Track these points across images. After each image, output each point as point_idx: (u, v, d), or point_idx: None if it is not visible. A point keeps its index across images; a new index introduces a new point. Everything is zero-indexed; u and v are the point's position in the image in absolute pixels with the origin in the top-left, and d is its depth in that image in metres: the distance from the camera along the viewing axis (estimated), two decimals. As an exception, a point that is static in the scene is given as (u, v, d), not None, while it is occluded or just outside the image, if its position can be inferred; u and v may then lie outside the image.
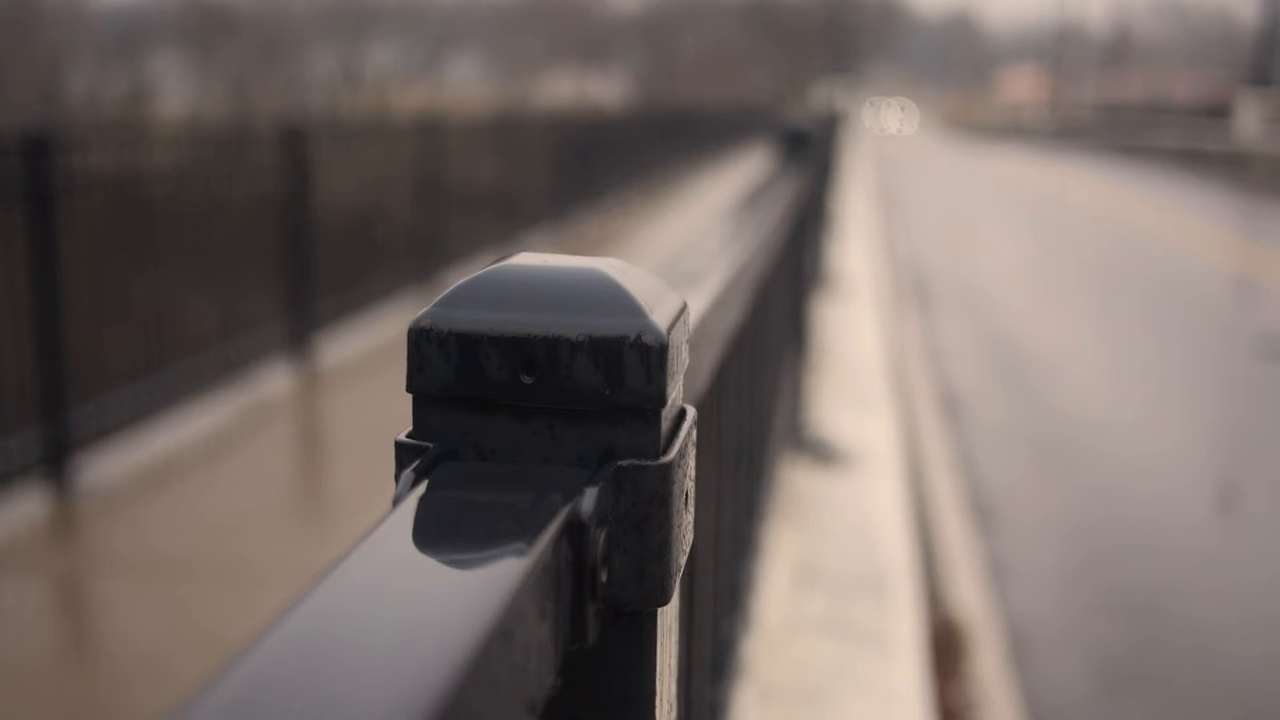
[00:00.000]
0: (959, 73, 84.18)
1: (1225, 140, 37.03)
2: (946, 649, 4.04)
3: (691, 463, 0.84)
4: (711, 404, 1.71)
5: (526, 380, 0.74)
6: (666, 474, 0.76)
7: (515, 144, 13.81)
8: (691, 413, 0.87)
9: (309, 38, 28.07)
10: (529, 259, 0.79)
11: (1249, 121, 37.72)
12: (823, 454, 3.83)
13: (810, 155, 5.52)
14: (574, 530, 0.69)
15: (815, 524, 3.36)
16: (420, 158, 10.47)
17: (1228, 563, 5.23)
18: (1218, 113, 42.30)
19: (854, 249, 10.20)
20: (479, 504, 0.70)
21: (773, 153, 5.22)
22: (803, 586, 2.96)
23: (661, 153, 21.27)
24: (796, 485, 3.62)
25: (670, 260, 1.98)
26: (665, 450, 0.77)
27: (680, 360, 0.80)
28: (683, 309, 0.84)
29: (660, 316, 0.76)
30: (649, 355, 0.74)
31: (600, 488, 0.72)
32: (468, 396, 0.75)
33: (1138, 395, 8.59)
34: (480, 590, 0.58)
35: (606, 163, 17.07)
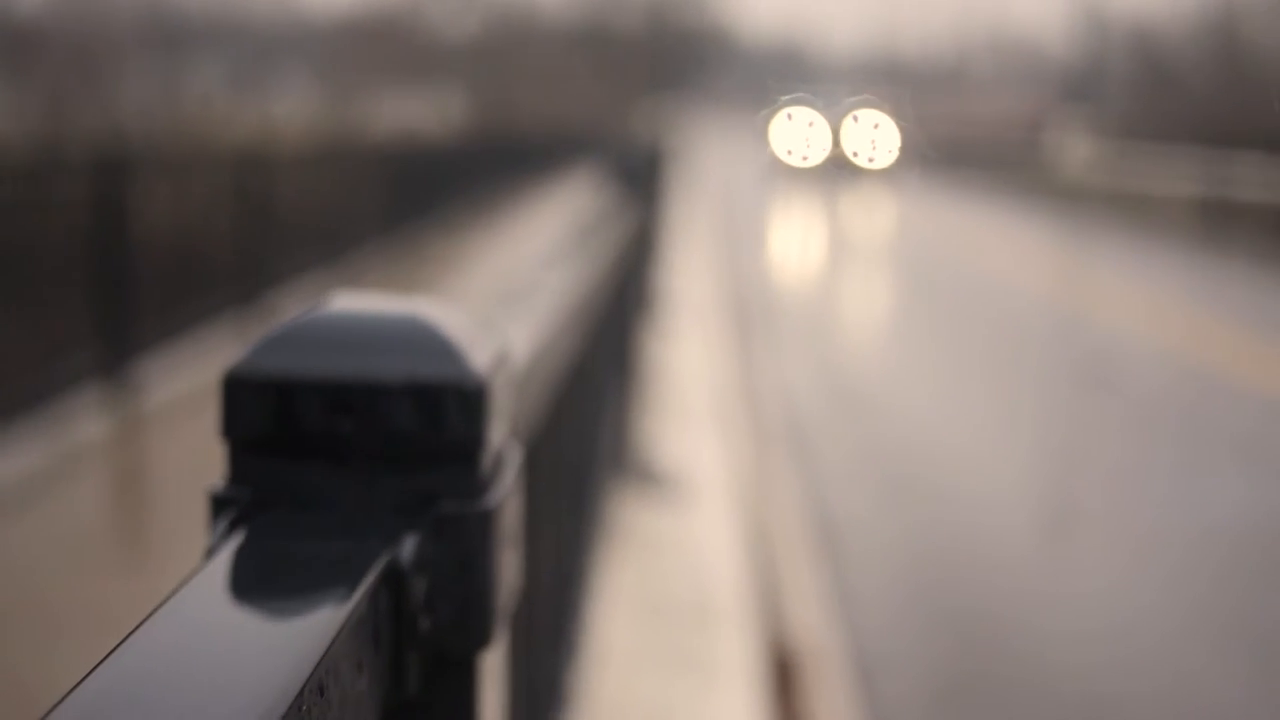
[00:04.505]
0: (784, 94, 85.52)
1: (1041, 158, 38.50)
2: (786, 675, 4.09)
3: (517, 504, 0.84)
4: (543, 440, 1.71)
5: (345, 427, 0.73)
6: (488, 518, 0.75)
7: (345, 165, 13.65)
8: (517, 453, 0.87)
9: (128, 58, 27.37)
10: (347, 302, 0.78)
11: (1062, 141, 39.22)
12: (657, 485, 3.86)
13: (641, 182, 5.57)
14: (393, 579, 0.69)
15: (651, 556, 3.37)
16: (246, 180, 10.29)
17: (1061, 590, 5.39)
18: (1035, 133, 43.92)
19: (687, 277, 10.30)
20: (295, 555, 0.69)
21: (605, 178, 5.25)
22: (638, 620, 2.97)
23: (496, 175, 21.24)
24: (632, 518, 3.64)
25: (501, 295, 1.97)
26: (488, 493, 0.76)
27: (501, 402, 0.80)
28: (503, 351, 0.84)
29: (480, 359, 0.76)
30: (468, 399, 0.74)
31: (421, 535, 0.71)
32: (284, 444, 0.73)
33: (972, 425, 8.83)
34: (293, 645, 0.57)
35: (439, 185, 16.98)
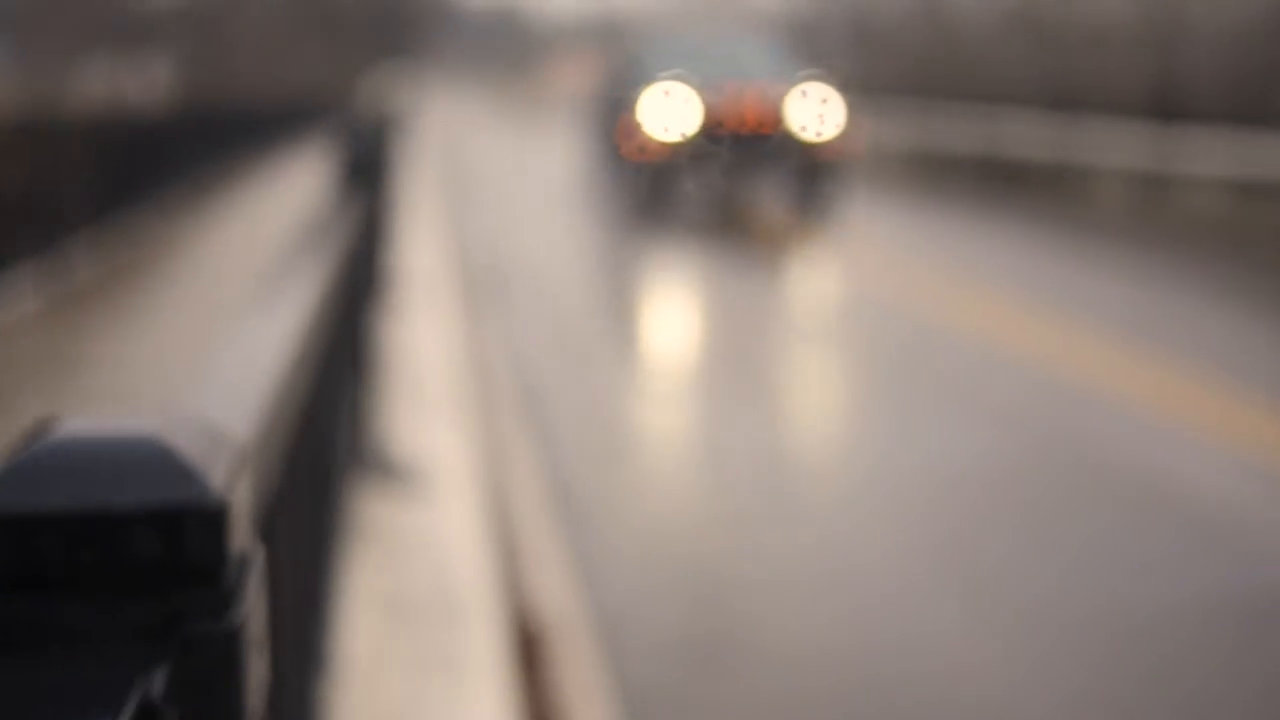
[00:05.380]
0: (509, 56, 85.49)
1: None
2: (532, 655, 4.16)
3: (262, 608, 0.86)
4: (282, 456, 1.71)
5: (86, 558, 0.74)
6: (235, 635, 0.77)
7: (49, 144, 13.00)
8: (259, 557, 0.88)
9: None
10: (79, 427, 0.79)
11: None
12: (399, 480, 3.86)
13: (369, 155, 5.49)
14: (145, 709, 0.70)
15: (395, 554, 3.39)
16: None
17: (791, 542, 5.61)
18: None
19: (420, 253, 10.22)
20: (45, 694, 0.70)
21: (331, 152, 5.19)
22: (383, 623, 2.99)
23: (216, 150, 20.56)
24: (375, 517, 3.64)
25: (234, 302, 1.96)
26: (232, 609, 0.78)
27: (241, 516, 0.82)
28: (242, 460, 0.85)
29: (218, 477, 0.78)
30: (209, 521, 0.76)
31: (169, 663, 0.73)
32: (25, 580, 0.74)
33: (699, 378, 9.07)
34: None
35: (157, 163, 16.34)
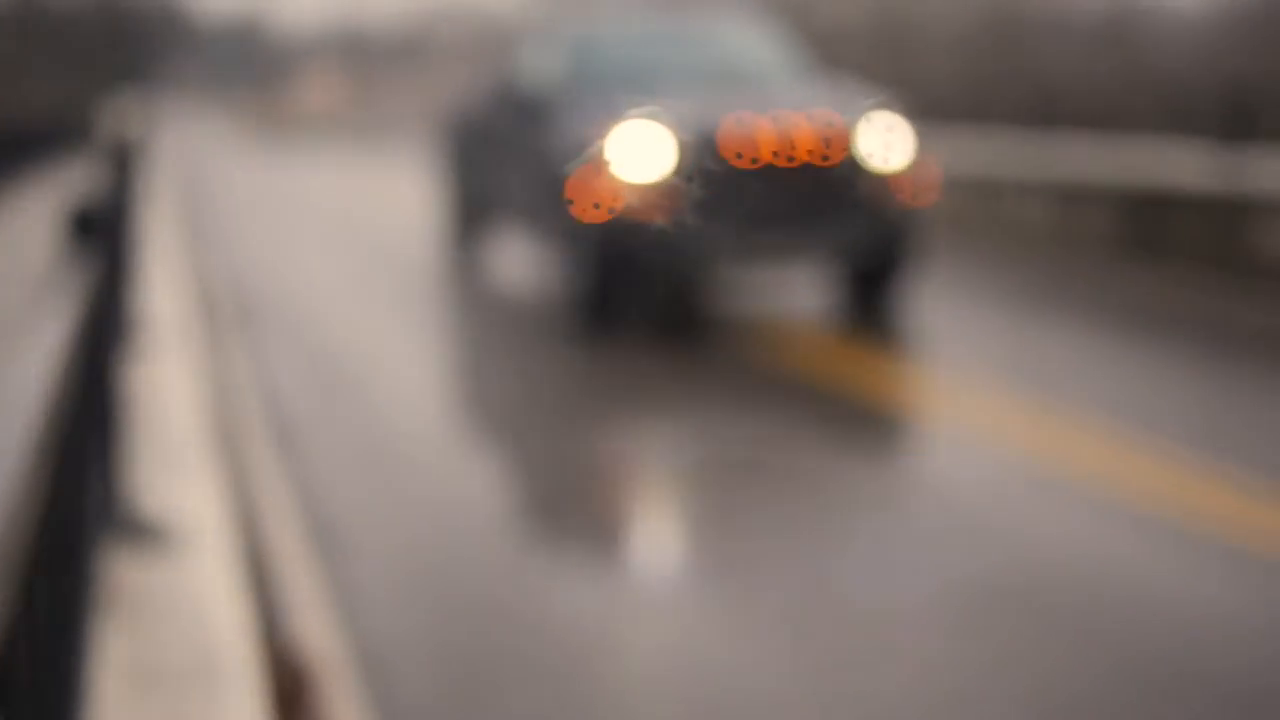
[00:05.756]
0: (254, 77, 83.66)
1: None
2: (300, 704, 4.11)
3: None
4: (26, 523, 1.67)
5: None
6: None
7: None
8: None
9: None
10: None
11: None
12: (150, 541, 3.77)
13: (111, 191, 5.33)
14: None
15: (148, 620, 3.31)
16: None
17: (548, 566, 5.66)
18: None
19: (161, 284, 9.93)
20: None
21: (68, 185, 5.01)
22: (138, 693, 2.93)
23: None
24: (128, 582, 3.55)
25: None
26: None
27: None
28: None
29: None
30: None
31: None
32: None
33: (458, 401, 9.06)
34: None
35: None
